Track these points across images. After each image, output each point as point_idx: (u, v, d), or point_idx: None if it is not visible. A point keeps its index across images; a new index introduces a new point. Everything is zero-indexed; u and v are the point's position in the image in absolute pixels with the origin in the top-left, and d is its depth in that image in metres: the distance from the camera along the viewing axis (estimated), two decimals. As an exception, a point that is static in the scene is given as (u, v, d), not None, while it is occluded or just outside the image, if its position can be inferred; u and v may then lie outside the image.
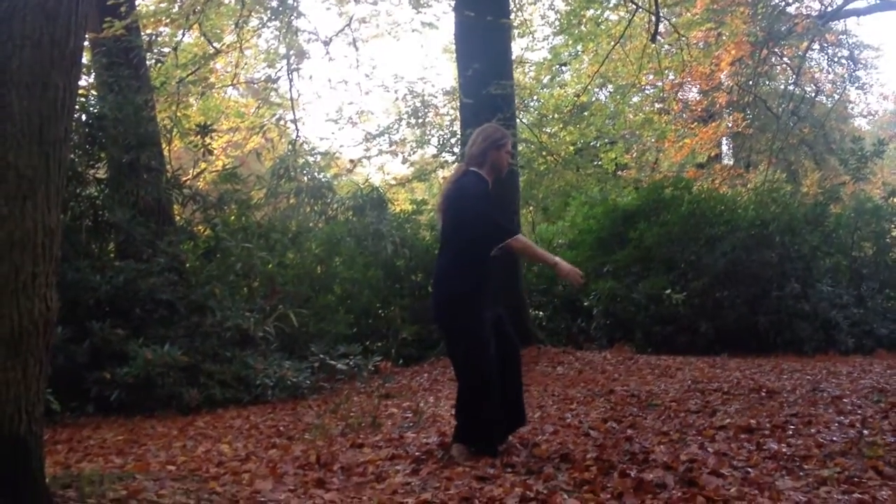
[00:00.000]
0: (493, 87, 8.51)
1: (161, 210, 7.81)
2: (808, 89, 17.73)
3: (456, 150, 10.87)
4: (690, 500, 2.91)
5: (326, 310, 8.86)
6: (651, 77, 15.53)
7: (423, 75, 29.94)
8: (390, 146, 12.19)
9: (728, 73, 16.20)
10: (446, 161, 11.52)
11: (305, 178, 9.87)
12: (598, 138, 14.14)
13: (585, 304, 10.47)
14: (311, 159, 10.21)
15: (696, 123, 17.02)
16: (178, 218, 8.46)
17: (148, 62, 8.76)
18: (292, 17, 8.97)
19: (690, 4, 13.61)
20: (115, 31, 7.33)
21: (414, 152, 13.12)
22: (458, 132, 10.45)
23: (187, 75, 9.83)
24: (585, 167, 13.09)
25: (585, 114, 13.42)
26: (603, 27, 12.93)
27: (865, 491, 2.98)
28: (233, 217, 8.46)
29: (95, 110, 7.49)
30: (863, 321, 9.94)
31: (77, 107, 6.67)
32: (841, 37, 16.84)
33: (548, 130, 13.52)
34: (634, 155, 17.29)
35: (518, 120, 11.13)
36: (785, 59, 17.35)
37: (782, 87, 18.08)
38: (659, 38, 12.15)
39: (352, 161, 11.83)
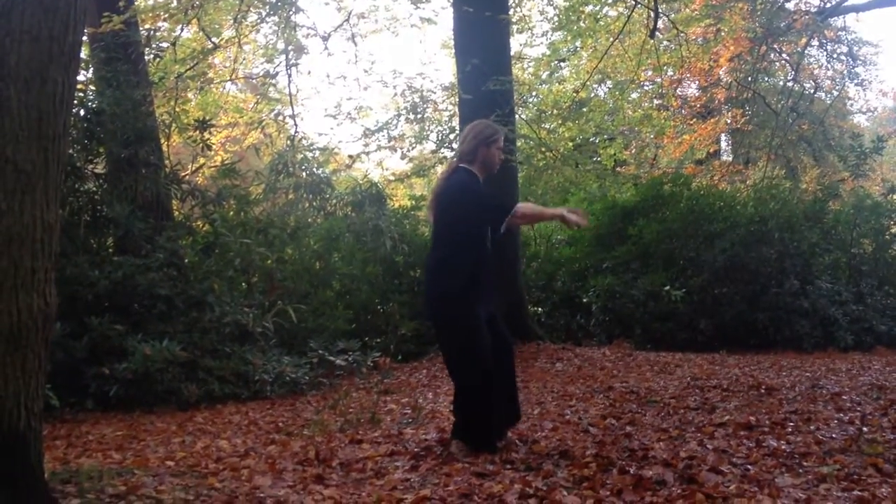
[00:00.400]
0: (491, 82, 8.49)
1: (160, 205, 7.79)
2: (807, 86, 17.70)
3: (455, 145, 10.85)
4: (689, 496, 2.90)
5: (325, 305, 8.87)
6: (650, 73, 15.52)
7: (422, 71, 29.95)
8: (389, 142, 12.16)
9: (727, 69, 16.19)
10: (445, 157, 11.49)
11: (304, 174, 9.83)
12: (596, 134, 14.12)
13: (584, 300, 10.48)
14: (309, 155, 10.17)
15: (694, 120, 17.03)
16: (176, 213, 8.44)
17: (146, 57, 8.72)
18: (291, 13, 8.97)
19: (689, 0, 13.59)
20: (113, 25, 7.30)
21: (413, 148, 13.08)
22: (457, 128, 10.43)
23: (186, 70, 9.81)
24: (584, 163, 13.06)
25: (584, 110, 13.41)
26: (602, 23, 12.89)
27: (865, 488, 2.98)
28: (231, 212, 8.44)
29: (94, 105, 7.47)
30: (862, 318, 9.93)
31: (75, 102, 6.67)
32: (840, 33, 16.81)
33: (546, 126, 13.50)
34: (633, 151, 17.29)
35: (517, 116, 11.11)
36: (784, 55, 17.32)
37: (781, 83, 18.06)
38: (658, 34, 12.13)
39: (350, 156, 11.79)
